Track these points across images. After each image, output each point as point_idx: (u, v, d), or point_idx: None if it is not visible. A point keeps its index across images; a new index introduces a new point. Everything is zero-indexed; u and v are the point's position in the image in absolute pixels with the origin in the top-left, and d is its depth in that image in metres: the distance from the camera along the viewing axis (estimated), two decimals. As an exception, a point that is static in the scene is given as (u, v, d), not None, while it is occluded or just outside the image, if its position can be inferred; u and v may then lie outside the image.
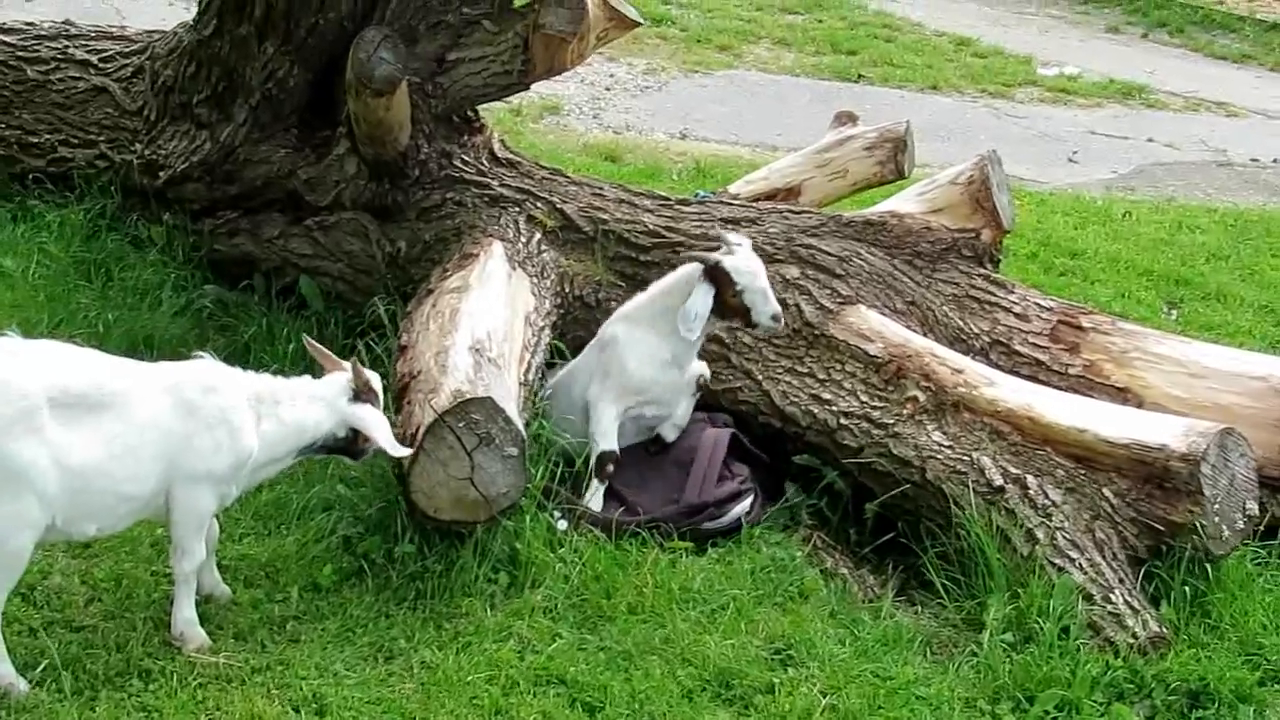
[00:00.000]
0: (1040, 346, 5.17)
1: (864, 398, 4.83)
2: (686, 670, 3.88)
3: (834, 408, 4.85)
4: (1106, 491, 4.39)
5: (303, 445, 3.83)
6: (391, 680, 3.73)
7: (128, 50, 6.23)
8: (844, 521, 4.79)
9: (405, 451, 3.90)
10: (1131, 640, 4.06)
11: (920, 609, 4.39)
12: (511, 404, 4.16)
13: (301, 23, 5.43)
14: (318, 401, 3.82)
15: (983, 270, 5.52)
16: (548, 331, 4.97)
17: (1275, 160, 11.10)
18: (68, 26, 6.49)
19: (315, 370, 3.98)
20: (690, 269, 4.69)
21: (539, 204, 5.47)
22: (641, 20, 6.15)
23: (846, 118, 6.91)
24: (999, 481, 4.43)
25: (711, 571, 4.35)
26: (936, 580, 4.36)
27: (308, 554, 4.18)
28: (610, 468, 4.69)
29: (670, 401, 4.84)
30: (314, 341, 4.10)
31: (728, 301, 4.62)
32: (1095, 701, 3.88)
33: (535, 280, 5.10)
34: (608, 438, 4.71)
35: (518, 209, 5.43)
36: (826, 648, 4.02)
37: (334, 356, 3.99)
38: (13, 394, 3.32)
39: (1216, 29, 15.72)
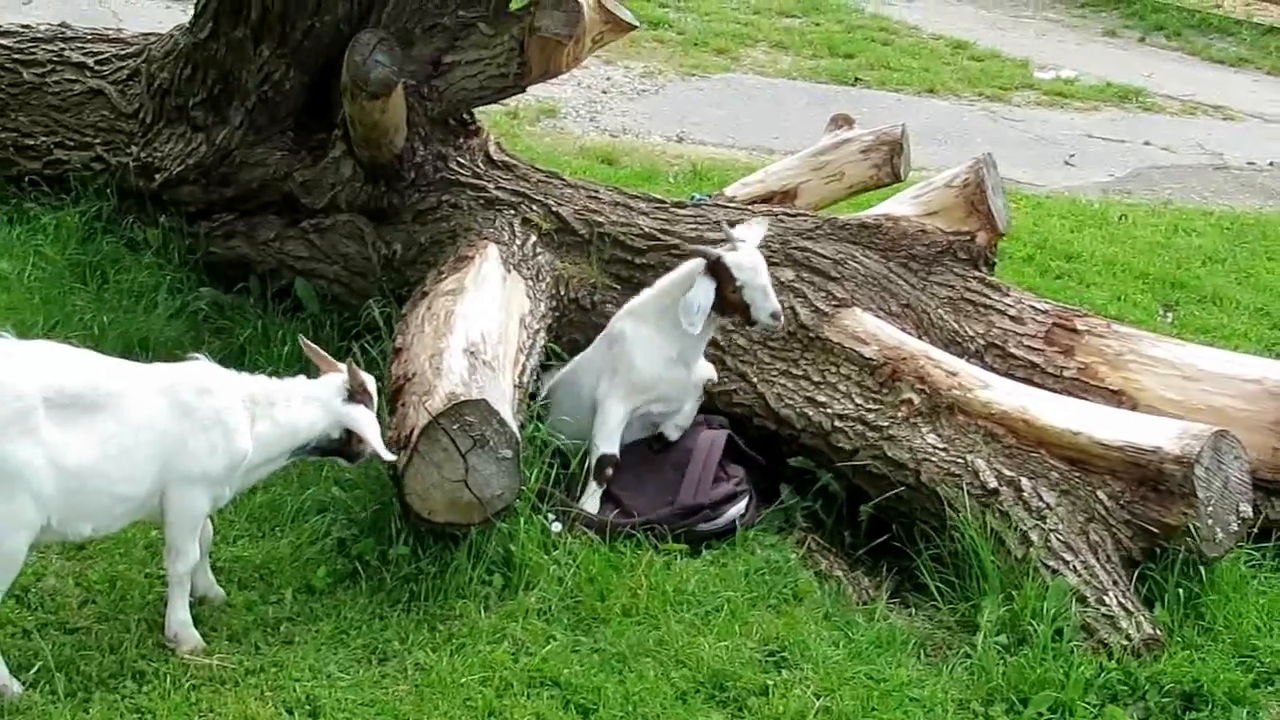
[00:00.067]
0: (1035, 349, 5.18)
1: (859, 400, 4.83)
2: (680, 672, 3.88)
3: (829, 410, 4.86)
4: (1101, 494, 4.39)
5: (297, 446, 3.84)
6: (385, 682, 3.73)
7: (124, 53, 6.22)
8: (838, 524, 4.80)
9: (392, 456, 3.90)
10: (1125, 642, 4.07)
11: (914, 611, 4.40)
12: (506, 406, 4.16)
13: (297, 25, 5.43)
14: (312, 402, 3.82)
15: (978, 273, 5.52)
16: (543, 334, 4.97)
17: (1272, 163, 11.08)
18: (64, 29, 6.48)
19: (311, 373, 3.98)
20: (693, 263, 4.71)
21: (534, 207, 5.47)
22: (637, 23, 6.16)
23: (843, 121, 6.90)
24: (993, 484, 4.44)
25: (706, 573, 4.36)
26: (931, 582, 4.37)
27: (302, 556, 4.18)
28: (609, 471, 4.69)
29: (677, 399, 4.84)
30: (309, 342, 4.09)
31: (727, 297, 4.62)
32: (1089, 703, 3.88)
33: (530, 283, 5.10)
34: (611, 440, 4.70)
35: (513, 212, 5.43)
36: (820, 650, 4.03)
37: (329, 357, 3.99)
38: (8, 395, 3.32)
39: (1213, 32, 15.71)
